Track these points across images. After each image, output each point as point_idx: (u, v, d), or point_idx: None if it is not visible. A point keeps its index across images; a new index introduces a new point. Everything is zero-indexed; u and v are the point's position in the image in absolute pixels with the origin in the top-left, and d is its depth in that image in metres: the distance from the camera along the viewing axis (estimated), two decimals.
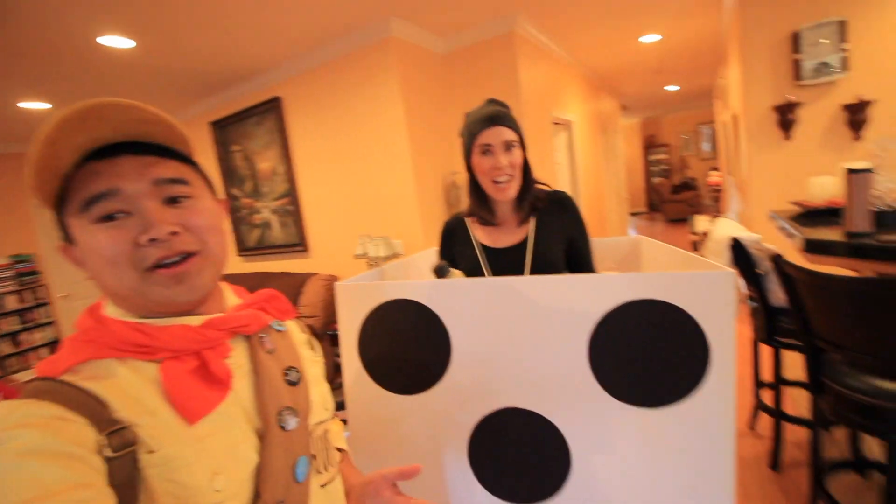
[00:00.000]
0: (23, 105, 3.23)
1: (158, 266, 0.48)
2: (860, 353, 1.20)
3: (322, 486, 0.58)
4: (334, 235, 3.48)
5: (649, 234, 8.49)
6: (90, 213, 0.47)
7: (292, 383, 0.56)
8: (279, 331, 0.61)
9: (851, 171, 1.28)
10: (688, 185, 9.81)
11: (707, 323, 0.74)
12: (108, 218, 0.47)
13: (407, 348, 0.93)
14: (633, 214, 11.00)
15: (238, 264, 4.17)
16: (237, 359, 0.54)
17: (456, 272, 1.05)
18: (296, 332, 0.67)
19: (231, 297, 0.61)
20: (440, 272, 1.01)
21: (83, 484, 0.38)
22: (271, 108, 3.46)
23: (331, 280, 3.34)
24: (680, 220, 9.15)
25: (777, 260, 1.31)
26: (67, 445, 0.39)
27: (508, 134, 1.08)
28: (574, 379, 0.81)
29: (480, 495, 0.91)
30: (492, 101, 1.17)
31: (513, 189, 1.11)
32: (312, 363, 0.66)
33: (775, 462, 1.90)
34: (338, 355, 2.19)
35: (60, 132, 0.45)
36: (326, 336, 3.29)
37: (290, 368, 0.57)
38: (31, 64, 2.58)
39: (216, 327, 0.52)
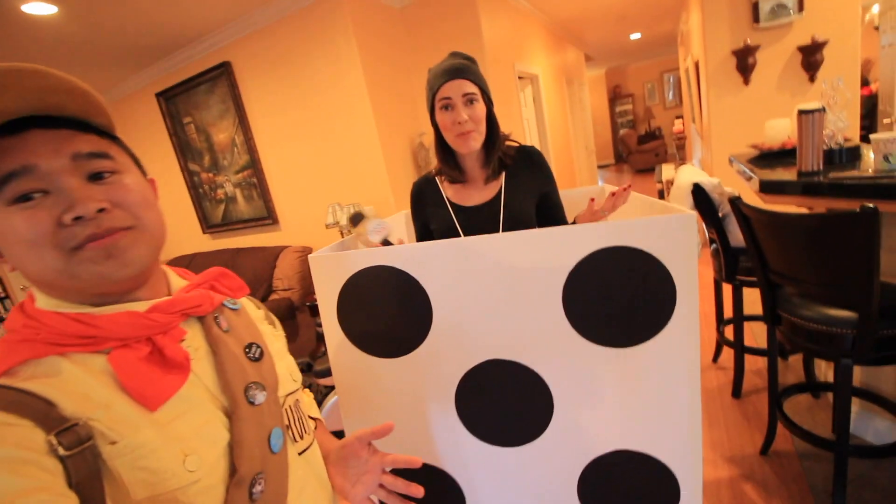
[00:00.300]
0: None
1: (79, 247, 0.45)
2: (811, 284, 1.29)
3: (300, 453, 0.58)
4: (303, 206, 3.39)
5: (618, 184, 8.63)
6: (2, 195, 0.43)
7: (255, 359, 0.56)
8: (233, 309, 0.59)
9: (802, 112, 1.32)
10: (653, 135, 9.94)
11: (671, 263, 0.78)
12: (24, 198, 0.43)
13: (387, 313, 0.93)
14: (602, 167, 11.14)
15: (206, 242, 4.04)
16: (193, 341, 0.52)
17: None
18: (251, 308, 0.66)
19: (176, 279, 0.58)
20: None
21: (37, 488, 0.36)
22: (221, 74, 3.26)
23: (304, 252, 3.29)
24: (647, 170, 9.33)
25: (734, 202, 1.36)
26: (14, 450, 0.37)
27: (468, 87, 1.05)
28: (551, 327, 0.84)
29: (472, 444, 0.95)
30: (454, 55, 1.14)
31: (476, 142, 1.10)
32: (275, 337, 0.65)
33: (737, 390, 2.06)
34: (319, 325, 2.19)
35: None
36: (305, 307, 3.28)
37: (250, 345, 0.57)
38: None
39: (165, 311, 0.49)
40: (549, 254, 0.82)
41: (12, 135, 0.43)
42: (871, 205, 1.06)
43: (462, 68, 1.06)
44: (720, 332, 2.23)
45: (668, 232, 0.77)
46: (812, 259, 1.25)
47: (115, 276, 0.47)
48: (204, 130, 3.54)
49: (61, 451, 0.39)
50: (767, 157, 1.85)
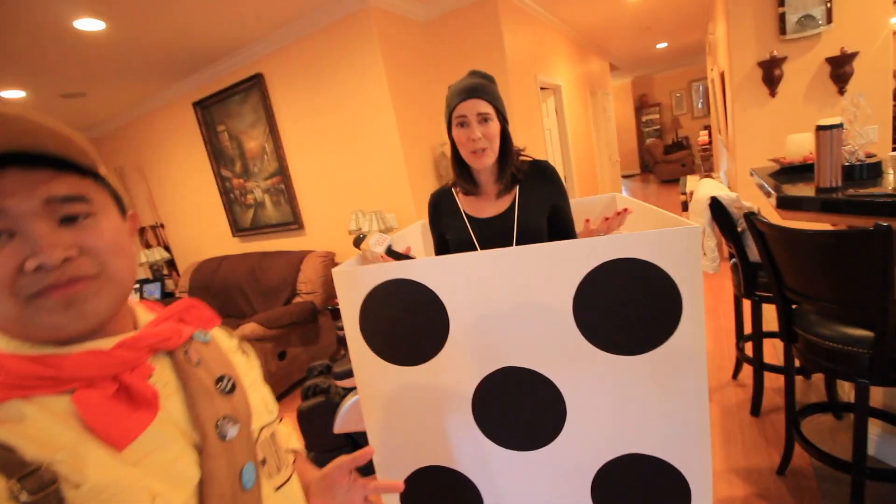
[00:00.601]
0: (1, 94, 3.18)
1: (36, 295, 0.43)
2: (827, 302, 1.28)
3: (277, 488, 0.57)
4: (328, 212, 3.50)
5: (642, 195, 8.52)
6: None
7: (226, 392, 0.55)
8: (203, 341, 0.58)
9: (820, 128, 1.32)
10: (680, 145, 9.77)
11: (677, 274, 0.81)
12: None
13: (407, 324, 0.99)
14: (626, 177, 10.99)
15: (235, 245, 4.21)
16: (161, 376, 0.51)
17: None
18: (223, 339, 0.64)
19: (144, 313, 0.57)
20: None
21: None
22: (254, 86, 3.41)
23: (328, 257, 3.39)
24: (673, 180, 9.16)
25: (749, 217, 1.36)
26: None
27: (483, 106, 1.11)
28: (563, 336, 0.89)
29: (488, 447, 0.99)
30: (473, 74, 1.19)
31: (489, 158, 1.15)
32: (249, 368, 0.64)
33: (756, 408, 2.03)
34: (340, 328, 2.26)
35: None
36: (327, 311, 3.38)
37: (221, 377, 0.55)
38: (8, 53, 2.54)
39: (131, 347, 0.48)
40: (561, 266, 0.86)
41: None
42: (885, 223, 1.06)
43: (478, 87, 1.12)
44: (740, 349, 2.20)
45: (673, 244, 0.81)
46: (827, 276, 1.25)
47: (71, 328, 0.45)
48: (236, 138, 3.71)
49: (24, 497, 0.37)
50: (788, 172, 1.84)
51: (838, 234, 1.13)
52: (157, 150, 4.39)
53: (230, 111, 3.64)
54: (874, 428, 1.68)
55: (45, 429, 0.42)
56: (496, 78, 1.21)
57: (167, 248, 4.80)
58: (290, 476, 0.61)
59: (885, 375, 1.23)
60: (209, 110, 3.76)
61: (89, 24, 2.42)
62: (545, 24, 4.05)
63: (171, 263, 4.87)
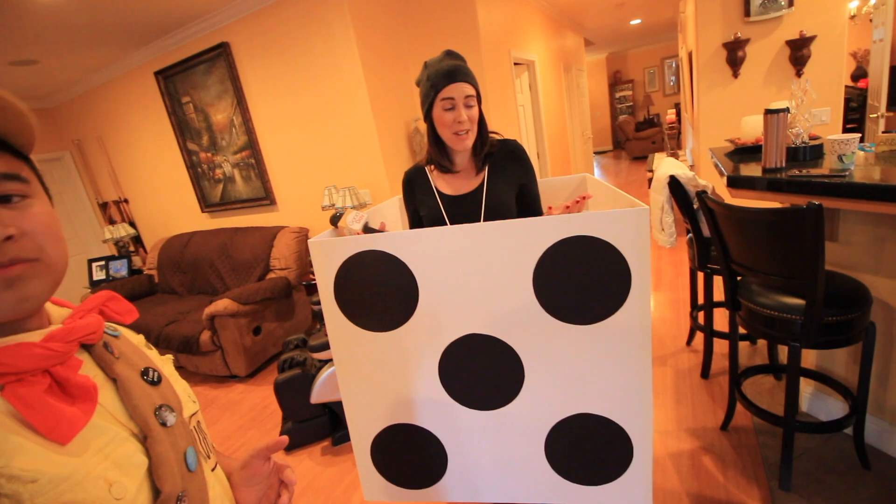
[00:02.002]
0: None
1: None
2: (766, 274, 1.40)
3: (213, 470, 0.60)
4: (300, 187, 3.47)
5: (613, 171, 8.69)
6: None
7: (154, 383, 0.55)
8: (114, 336, 0.57)
9: (768, 112, 1.41)
10: (651, 123, 9.94)
11: (627, 251, 0.90)
12: None
13: (378, 292, 1.05)
14: (599, 153, 11.16)
15: (204, 221, 4.12)
16: (88, 370, 0.50)
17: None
18: (130, 334, 0.63)
19: (55, 308, 0.55)
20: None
21: None
22: (220, 55, 3.29)
23: (301, 232, 3.38)
24: (643, 157, 9.37)
25: (700, 195, 1.46)
26: None
27: (469, 89, 1.15)
28: (523, 306, 0.97)
29: (453, 407, 1.08)
30: (450, 54, 1.21)
31: (470, 140, 1.20)
32: (163, 361, 0.64)
33: (706, 371, 2.20)
34: (315, 303, 2.30)
35: None
36: (302, 286, 3.39)
37: (146, 369, 0.56)
38: None
39: (62, 340, 0.46)
40: (522, 241, 0.93)
41: None
42: (817, 202, 1.16)
43: (463, 71, 1.16)
44: (693, 318, 2.36)
45: (624, 223, 0.88)
46: (767, 250, 1.36)
47: (9, 310, 0.44)
48: (202, 110, 3.59)
49: None
50: (741, 152, 1.94)
51: (776, 211, 1.23)
52: (118, 122, 4.20)
53: (195, 82, 3.51)
54: (807, 387, 1.86)
55: None
56: (470, 53, 1.24)
57: (132, 224, 4.66)
58: (216, 461, 0.64)
59: (814, 339, 1.36)
60: (172, 80, 3.61)
61: None
62: None
63: (136, 240, 4.74)
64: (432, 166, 1.31)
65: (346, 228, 1.15)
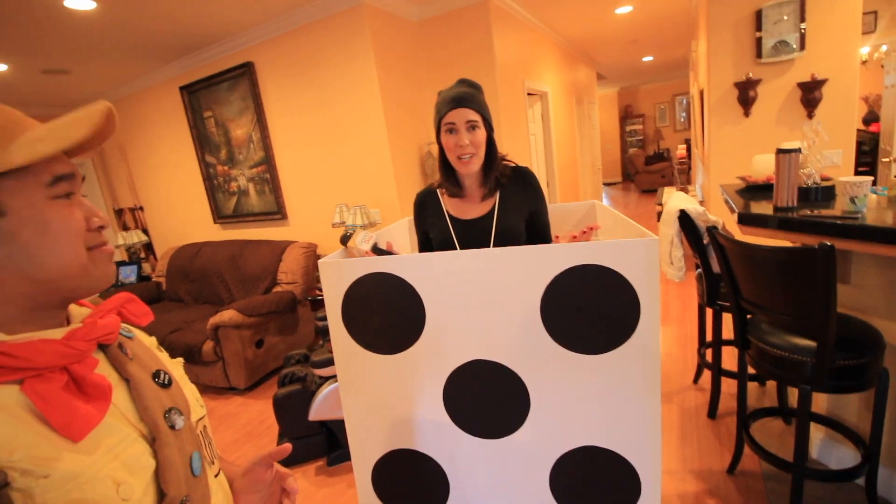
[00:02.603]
0: None
1: (93, 248, 0.51)
2: (777, 313, 1.38)
3: (215, 476, 0.60)
4: (312, 204, 3.52)
5: (622, 203, 8.72)
6: (53, 189, 0.48)
7: (164, 385, 0.56)
8: (128, 337, 0.59)
9: (780, 151, 1.42)
10: (661, 157, 10.02)
11: (636, 281, 0.88)
12: (66, 196, 0.50)
13: (386, 315, 1.04)
14: (608, 185, 11.22)
15: (216, 232, 4.17)
16: (102, 369, 0.51)
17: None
18: (144, 336, 0.65)
19: (74, 306, 0.57)
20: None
21: None
22: (244, 74, 3.40)
23: (310, 248, 3.41)
24: (652, 190, 9.39)
25: (711, 231, 1.46)
26: None
27: (471, 115, 1.17)
28: (530, 333, 0.95)
29: (456, 434, 1.06)
30: (462, 82, 1.25)
31: (475, 164, 1.21)
32: (174, 364, 0.65)
33: (713, 411, 2.14)
34: (319, 319, 2.31)
35: (105, 120, 0.50)
36: (307, 301, 3.39)
37: (157, 372, 0.57)
38: None
39: (82, 338, 0.48)
40: (531, 268, 0.93)
41: None
42: (829, 243, 1.16)
43: (466, 97, 1.18)
44: (701, 355, 2.32)
45: (634, 254, 0.88)
46: (777, 289, 1.35)
47: (107, 283, 0.53)
48: (223, 125, 3.69)
49: None
50: (752, 190, 1.95)
51: (788, 250, 1.23)
52: (141, 132, 4.32)
53: (218, 98, 3.61)
54: (817, 433, 1.80)
55: None
56: (485, 82, 1.27)
57: (145, 231, 4.72)
58: (220, 466, 0.64)
59: (825, 382, 1.33)
60: (196, 95, 3.73)
61: (80, 3, 2.39)
62: (535, 31, 4.14)
63: (148, 247, 4.80)
64: (443, 189, 1.33)
65: (356, 248, 1.16)
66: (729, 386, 2.31)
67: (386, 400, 1.10)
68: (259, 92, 3.40)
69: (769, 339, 1.45)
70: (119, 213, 4.90)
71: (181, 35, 3.13)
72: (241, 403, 2.90)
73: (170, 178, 4.32)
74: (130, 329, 0.62)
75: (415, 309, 1.01)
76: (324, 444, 2.19)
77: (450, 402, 1.05)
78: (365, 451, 1.14)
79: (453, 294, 0.98)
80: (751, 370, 1.64)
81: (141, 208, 4.72)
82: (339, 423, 2.09)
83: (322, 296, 1.09)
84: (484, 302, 0.96)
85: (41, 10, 2.40)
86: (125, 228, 4.79)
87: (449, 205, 1.32)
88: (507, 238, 1.25)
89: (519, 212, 1.29)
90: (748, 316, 1.60)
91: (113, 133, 0.54)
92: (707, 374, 2.48)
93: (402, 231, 1.62)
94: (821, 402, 1.77)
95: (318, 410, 2.03)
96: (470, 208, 1.30)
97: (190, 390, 0.62)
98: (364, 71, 2.95)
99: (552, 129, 4.50)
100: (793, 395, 2.08)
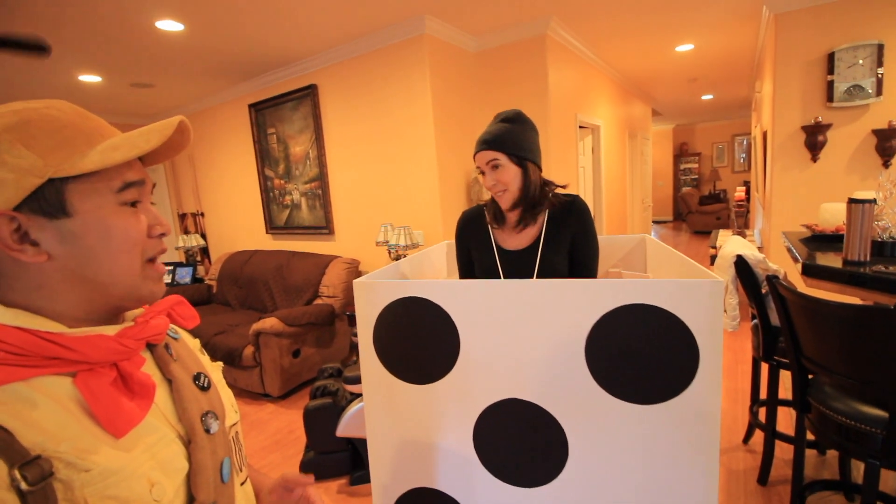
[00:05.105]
0: (82, 78, 3.47)
1: (150, 261, 0.51)
2: (843, 376, 1.27)
3: (241, 484, 0.60)
4: (358, 221, 3.63)
5: (672, 242, 8.39)
6: (122, 196, 0.49)
7: (204, 388, 0.56)
8: (174, 338, 0.60)
9: (853, 201, 1.33)
10: (717, 198, 9.62)
11: (696, 327, 0.80)
12: (132, 204, 0.50)
13: (418, 342, 0.99)
14: (658, 222, 10.86)
15: (267, 242, 4.38)
16: (147, 368, 0.52)
17: None
18: (188, 338, 0.66)
19: None
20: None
21: None
22: (307, 95, 3.61)
23: (352, 264, 3.49)
24: (705, 232, 9.00)
25: (771, 280, 1.37)
26: None
27: (491, 155, 1.20)
28: (572, 375, 0.87)
29: (484, 477, 0.98)
30: (497, 119, 1.26)
31: (507, 199, 1.23)
32: (213, 368, 0.65)
33: (764, 477, 1.96)
34: (355, 334, 2.33)
35: (178, 133, 0.51)
36: (345, 316, 3.46)
37: (198, 374, 0.57)
38: (94, 43, 2.79)
39: (133, 337, 0.50)
40: (577, 304, 0.85)
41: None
42: None
43: (489, 139, 1.20)
44: (753, 413, 2.15)
45: (695, 295, 0.79)
46: (845, 350, 1.24)
47: (156, 299, 0.53)
48: (284, 141, 3.91)
49: (24, 486, 0.37)
50: (819, 240, 1.83)
51: (859, 308, 1.13)
52: (209, 143, 4.65)
53: (282, 116, 3.85)
54: None
55: (47, 415, 0.41)
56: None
57: (203, 236, 5.02)
58: (247, 474, 0.64)
59: None
60: (263, 113, 3.99)
61: (170, 25, 2.65)
62: (590, 66, 4.15)
63: (204, 251, 5.08)
64: (490, 216, 1.33)
65: None
66: (783, 451, 2.12)
67: (412, 432, 1.04)
68: (319, 112, 3.59)
69: (833, 403, 1.33)
70: (182, 217, 5.25)
71: (255, 57, 3.38)
72: (273, 411, 2.96)
73: (230, 188, 4.60)
74: (177, 330, 0.63)
75: (449, 338, 0.95)
76: (348, 462, 2.18)
77: (480, 443, 0.97)
78: (387, 485, 1.09)
79: (492, 326, 0.92)
80: (809, 436, 1.50)
81: (202, 214, 5.03)
82: (365, 443, 2.08)
83: (357, 320, 1.06)
84: (524, 337, 0.90)
85: (136, 29, 2.67)
86: (186, 232, 5.11)
87: (496, 230, 1.32)
88: (550, 270, 1.23)
89: (564, 244, 1.27)
90: (809, 376, 1.48)
91: (187, 145, 0.55)
92: (759, 435, 2.29)
93: (440, 255, 1.61)
94: (890, 480, 1.59)
95: (346, 427, 2.04)
96: (514, 239, 1.29)
97: (226, 395, 0.63)
98: (420, 98, 3.06)
99: (602, 163, 4.44)
100: (857, 468, 1.88)
